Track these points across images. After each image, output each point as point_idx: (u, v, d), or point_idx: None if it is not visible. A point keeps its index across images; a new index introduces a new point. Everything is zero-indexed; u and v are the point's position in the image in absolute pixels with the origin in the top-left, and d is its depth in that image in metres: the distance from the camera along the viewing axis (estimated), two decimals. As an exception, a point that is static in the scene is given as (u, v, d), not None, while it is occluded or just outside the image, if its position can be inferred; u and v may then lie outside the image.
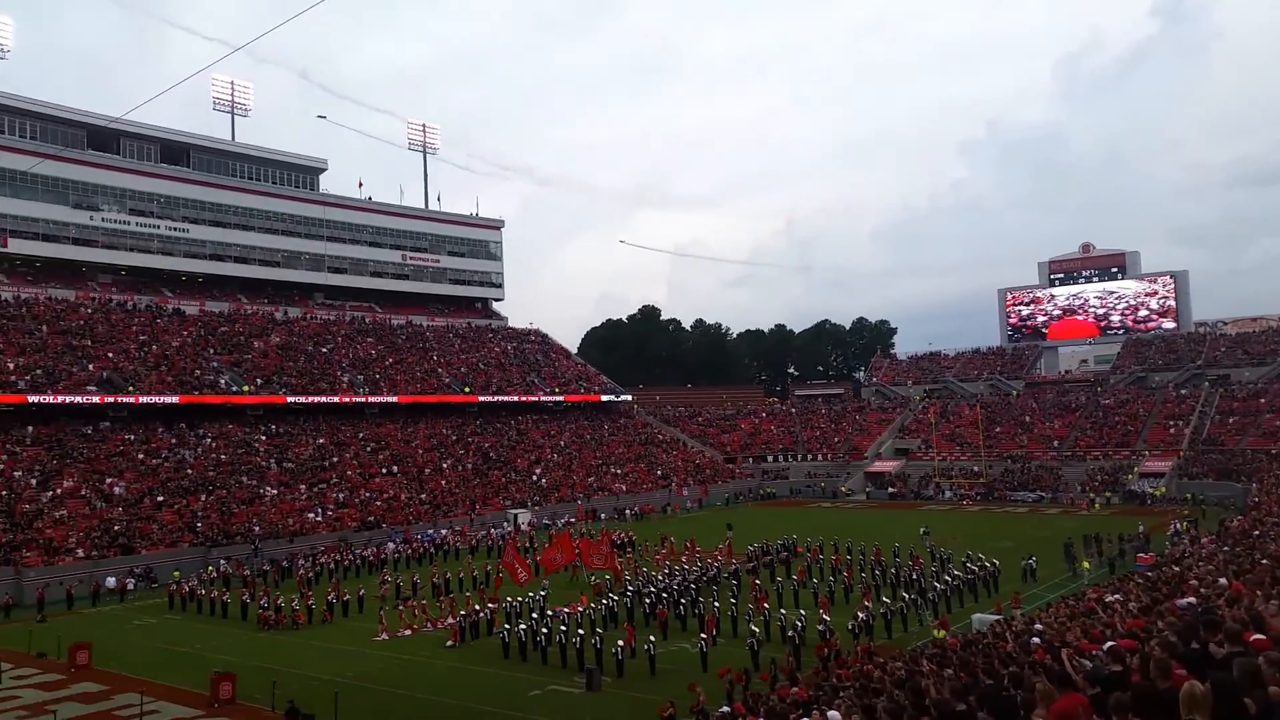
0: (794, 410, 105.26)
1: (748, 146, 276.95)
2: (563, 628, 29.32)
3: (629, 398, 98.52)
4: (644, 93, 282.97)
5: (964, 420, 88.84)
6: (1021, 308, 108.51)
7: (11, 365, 56.81)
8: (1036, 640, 14.67)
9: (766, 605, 31.50)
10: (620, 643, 27.60)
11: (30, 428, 55.32)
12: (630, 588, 36.49)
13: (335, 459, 65.84)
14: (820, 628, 27.50)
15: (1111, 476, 71.76)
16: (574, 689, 25.99)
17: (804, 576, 38.47)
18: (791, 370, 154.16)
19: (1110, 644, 9.91)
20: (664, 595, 34.65)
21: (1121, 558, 41.18)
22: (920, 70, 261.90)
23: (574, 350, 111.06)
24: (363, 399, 72.99)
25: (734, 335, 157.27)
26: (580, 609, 32.65)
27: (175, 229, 75.68)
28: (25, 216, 67.32)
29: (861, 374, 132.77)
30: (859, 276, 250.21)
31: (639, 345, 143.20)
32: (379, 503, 61.93)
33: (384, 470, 66.88)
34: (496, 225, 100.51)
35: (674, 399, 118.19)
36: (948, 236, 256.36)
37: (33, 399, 55.17)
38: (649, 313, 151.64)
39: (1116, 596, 20.24)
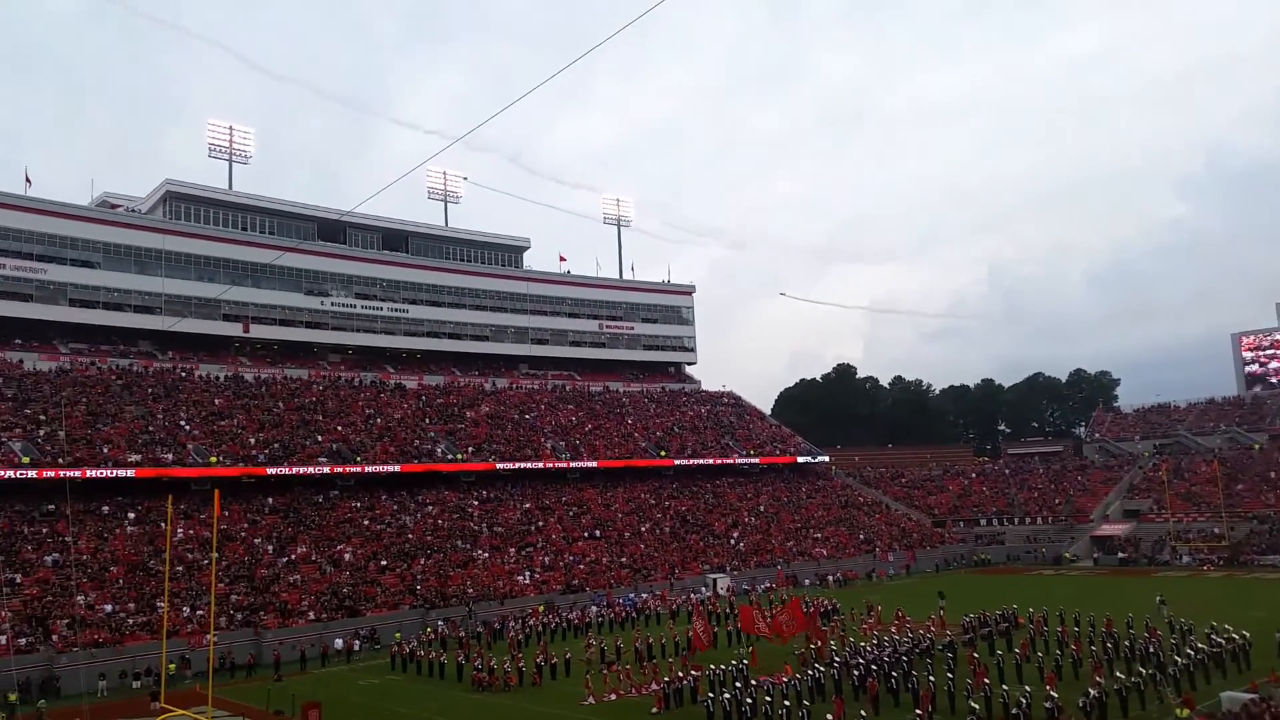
0: (1007, 470, 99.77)
1: (944, 195, 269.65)
2: (768, 698, 28.67)
3: (826, 459, 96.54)
4: (834, 148, 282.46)
5: (1200, 478, 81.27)
6: (1259, 352, 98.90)
7: (253, 440, 62.39)
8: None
9: (987, 680, 29.59)
10: (829, 716, 26.65)
11: (269, 498, 60.37)
12: (837, 658, 35.28)
13: (541, 523, 67.94)
14: (1047, 705, 25.57)
15: (1385, 539, 63.45)
16: (782, 762, 25.27)
17: (1027, 650, 35.96)
18: (1002, 427, 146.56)
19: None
20: (874, 667, 33.24)
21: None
22: (1127, 105, 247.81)
23: (768, 411, 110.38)
24: (564, 464, 75.18)
25: (936, 391, 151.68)
26: (785, 679, 31.84)
27: (396, 310, 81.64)
28: (265, 304, 74.46)
29: (1082, 429, 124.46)
30: (1073, 325, 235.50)
31: (835, 405, 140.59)
32: (582, 566, 63.19)
33: (586, 534, 68.32)
34: (687, 291, 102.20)
35: (874, 460, 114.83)
36: (1170, 278, 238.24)
37: (271, 471, 60.24)
38: (844, 371, 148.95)
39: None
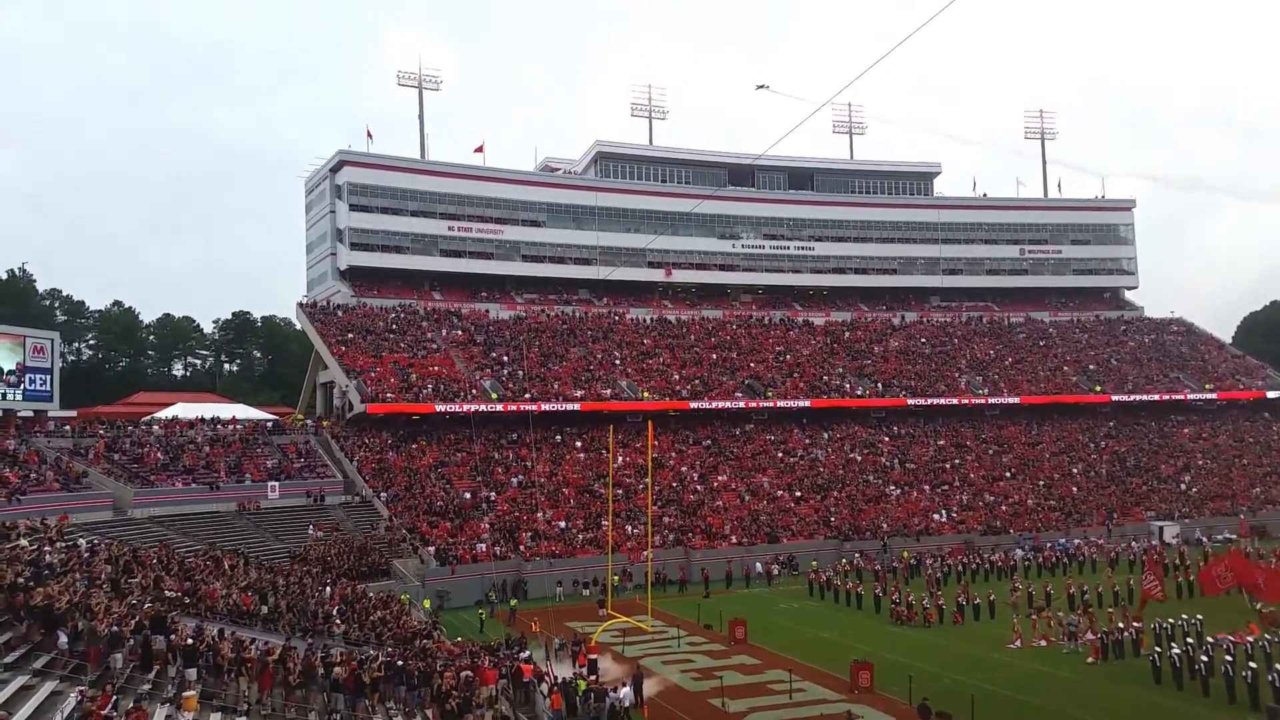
0: None
1: None
2: (1228, 658, 25.47)
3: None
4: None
5: None
6: None
7: (677, 377, 67.00)
8: None
9: None
10: (1309, 685, 23.09)
11: (692, 430, 64.60)
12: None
13: (956, 460, 65.71)
14: None
15: None
16: (1247, 730, 22.49)
17: None
18: None
19: None
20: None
21: None
22: None
23: (1227, 340, 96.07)
24: (982, 400, 71.69)
25: None
26: (1250, 639, 28.01)
27: (802, 248, 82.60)
28: (683, 250, 79.13)
29: None
30: None
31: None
32: (1004, 507, 60.27)
33: (1008, 473, 64.92)
34: (1126, 206, 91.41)
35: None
36: None
37: (694, 405, 64.35)
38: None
39: None
